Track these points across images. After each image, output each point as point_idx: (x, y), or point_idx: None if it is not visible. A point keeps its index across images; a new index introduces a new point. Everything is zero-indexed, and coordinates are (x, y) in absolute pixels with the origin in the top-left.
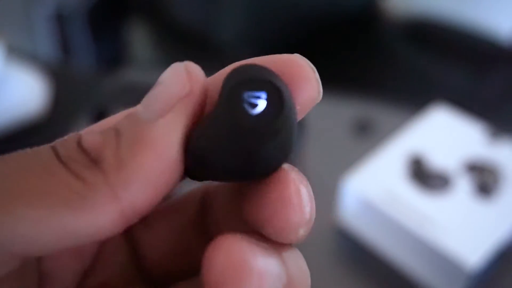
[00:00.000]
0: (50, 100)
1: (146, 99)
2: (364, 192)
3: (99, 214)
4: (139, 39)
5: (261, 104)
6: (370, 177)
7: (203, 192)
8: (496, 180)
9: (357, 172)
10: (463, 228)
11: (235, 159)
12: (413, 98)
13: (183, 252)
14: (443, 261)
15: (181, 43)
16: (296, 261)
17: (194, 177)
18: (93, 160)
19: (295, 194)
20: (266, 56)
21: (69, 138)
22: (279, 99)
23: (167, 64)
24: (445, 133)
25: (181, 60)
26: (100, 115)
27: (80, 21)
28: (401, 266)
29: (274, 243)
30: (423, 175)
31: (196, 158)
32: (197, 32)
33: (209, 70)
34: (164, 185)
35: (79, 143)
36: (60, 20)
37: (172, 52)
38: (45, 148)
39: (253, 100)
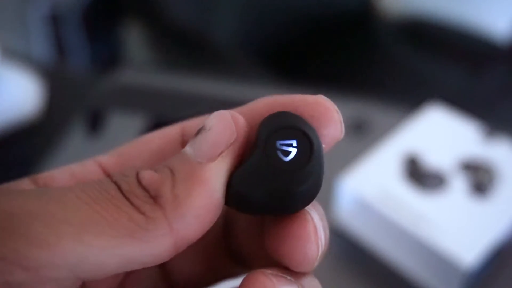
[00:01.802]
0: (45, 101)
1: (197, 143)
2: (360, 191)
3: (157, 245)
4: (134, 40)
5: (293, 151)
6: (366, 176)
7: (224, 215)
8: (491, 179)
9: (353, 171)
10: (458, 227)
11: (269, 198)
12: (409, 97)
13: (208, 269)
14: (438, 260)
15: (177, 44)
16: (313, 285)
17: (231, 207)
18: (152, 196)
19: (313, 233)
20: (293, 97)
21: (129, 173)
22: (309, 146)
23: (162, 65)
24: (440, 132)
25: (178, 61)
26: (95, 117)
27: (74, 22)
28: (397, 265)
29: (294, 272)
30: (419, 174)
31: (237, 195)
32: (193, 33)
33: (205, 70)
34: (212, 219)
35: (139, 180)
36: (55, 21)
37: (168, 53)
38: (108, 182)
39: (286, 148)
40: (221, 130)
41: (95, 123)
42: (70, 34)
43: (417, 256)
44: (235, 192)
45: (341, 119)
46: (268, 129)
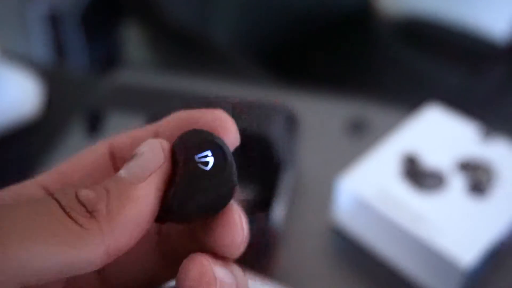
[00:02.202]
0: (44, 101)
1: (129, 167)
2: (359, 191)
3: (92, 253)
4: (133, 40)
5: (210, 160)
6: (365, 176)
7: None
8: (489, 179)
9: (352, 171)
10: (457, 227)
11: (203, 206)
12: (407, 97)
13: (145, 273)
14: (437, 260)
15: (176, 44)
16: (239, 271)
17: (163, 221)
18: (89, 211)
19: (239, 220)
20: (196, 113)
21: (68, 191)
22: (222, 153)
23: (161, 65)
24: (438, 132)
25: (177, 62)
26: (94, 117)
27: (74, 22)
28: (396, 264)
29: (224, 258)
30: (417, 174)
31: (174, 212)
32: (192, 33)
33: (204, 70)
34: (141, 231)
35: (77, 197)
36: (54, 21)
37: (167, 53)
38: (49, 199)
39: (204, 159)
40: (151, 156)
41: (94, 123)
42: (69, 34)
43: (416, 255)
44: (172, 210)
45: (236, 129)
46: (184, 147)
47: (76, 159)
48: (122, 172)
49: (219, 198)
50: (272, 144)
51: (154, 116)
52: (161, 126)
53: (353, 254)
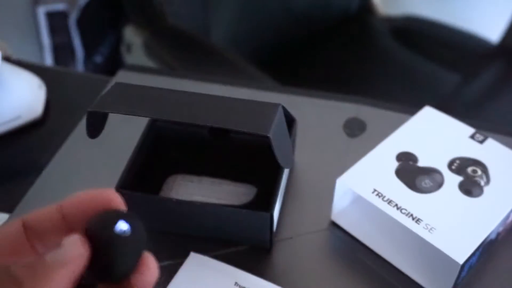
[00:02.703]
0: (45, 102)
1: (55, 254)
2: (357, 190)
3: None
4: (133, 42)
5: (126, 227)
6: (363, 176)
7: None
8: (483, 179)
9: (350, 172)
10: (451, 226)
11: (129, 263)
12: (404, 99)
13: None
14: (433, 256)
15: (176, 45)
16: None
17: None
18: (17, 282)
19: (154, 263)
20: (88, 194)
21: (4, 265)
22: (133, 219)
23: (161, 67)
24: (434, 134)
25: (178, 63)
26: (95, 118)
27: (74, 23)
28: (393, 261)
29: None
30: (413, 174)
31: (103, 274)
32: (192, 35)
33: (204, 72)
34: None
35: (9, 271)
36: (56, 23)
37: (168, 54)
38: None
39: (122, 229)
40: (72, 248)
41: (95, 124)
42: (70, 36)
43: (412, 252)
44: (104, 275)
45: (123, 203)
46: (102, 224)
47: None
48: (48, 257)
49: (139, 254)
50: (270, 145)
51: (155, 118)
52: (63, 205)
53: (351, 253)
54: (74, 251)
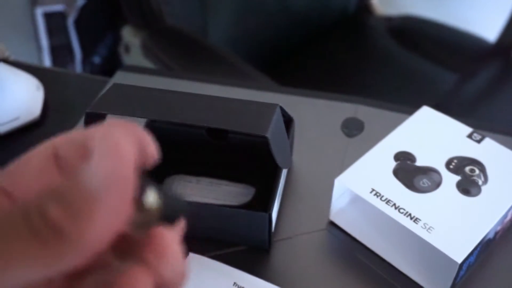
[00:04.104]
0: (43, 104)
1: (89, 170)
2: (355, 190)
3: (62, 266)
4: (132, 42)
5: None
6: (361, 175)
7: None
8: (481, 178)
9: (348, 171)
10: (450, 225)
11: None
12: (402, 98)
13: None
14: (432, 255)
15: (175, 46)
16: None
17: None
18: (57, 231)
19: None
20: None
21: (33, 210)
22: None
23: (160, 67)
24: (432, 133)
25: (176, 64)
26: (93, 119)
27: (73, 24)
28: (391, 260)
29: None
30: (411, 173)
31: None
32: (191, 35)
33: (203, 72)
34: (113, 235)
35: (43, 215)
36: (53, 24)
37: (166, 55)
38: (20, 220)
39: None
40: (106, 163)
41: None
42: (68, 37)
43: (411, 251)
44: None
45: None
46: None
47: (24, 161)
48: (85, 180)
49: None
50: (268, 145)
51: (153, 119)
52: (91, 133)
53: (349, 252)
54: (117, 166)
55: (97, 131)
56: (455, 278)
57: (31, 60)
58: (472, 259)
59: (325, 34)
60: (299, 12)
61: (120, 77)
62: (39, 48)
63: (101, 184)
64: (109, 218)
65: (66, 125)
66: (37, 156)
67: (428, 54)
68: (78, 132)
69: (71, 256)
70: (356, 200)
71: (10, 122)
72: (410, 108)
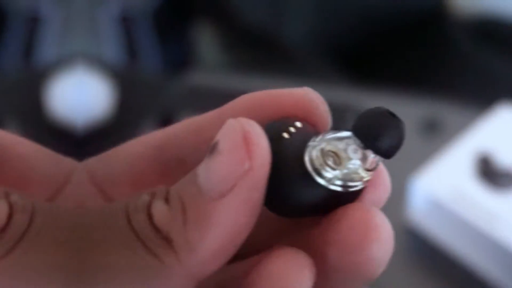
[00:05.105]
0: (116, 104)
1: (206, 170)
2: (433, 191)
3: (171, 283)
4: (206, 42)
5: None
6: (439, 176)
7: None
8: None
9: (425, 171)
10: None
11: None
12: (481, 96)
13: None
14: None
15: (249, 45)
16: None
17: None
18: (165, 238)
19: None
20: (281, 92)
21: (140, 207)
22: None
23: (233, 67)
24: None
25: (250, 63)
26: (166, 120)
27: (146, 23)
28: (471, 265)
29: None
30: (492, 173)
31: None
32: (264, 33)
33: (276, 71)
34: (229, 254)
35: (151, 219)
36: (126, 23)
37: (240, 54)
38: (122, 222)
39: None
40: (229, 156)
41: (166, 125)
42: (141, 36)
43: (491, 256)
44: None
45: (327, 109)
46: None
47: (124, 147)
48: (200, 177)
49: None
50: None
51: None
52: (224, 113)
53: (428, 254)
54: (237, 167)
55: (216, 122)
56: None
57: (103, 59)
58: None
59: (403, 32)
60: (377, 9)
61: (194, 77)
62: (111, 47)
63: (220, 182)
64: (229, 225)
65: (138, 125)
66: (139, 145)
67: (509, 54)
68: (187, 124)
69: (183, 273)
70: (435, 201)
71: (81, 122)
72: (489, 106)
